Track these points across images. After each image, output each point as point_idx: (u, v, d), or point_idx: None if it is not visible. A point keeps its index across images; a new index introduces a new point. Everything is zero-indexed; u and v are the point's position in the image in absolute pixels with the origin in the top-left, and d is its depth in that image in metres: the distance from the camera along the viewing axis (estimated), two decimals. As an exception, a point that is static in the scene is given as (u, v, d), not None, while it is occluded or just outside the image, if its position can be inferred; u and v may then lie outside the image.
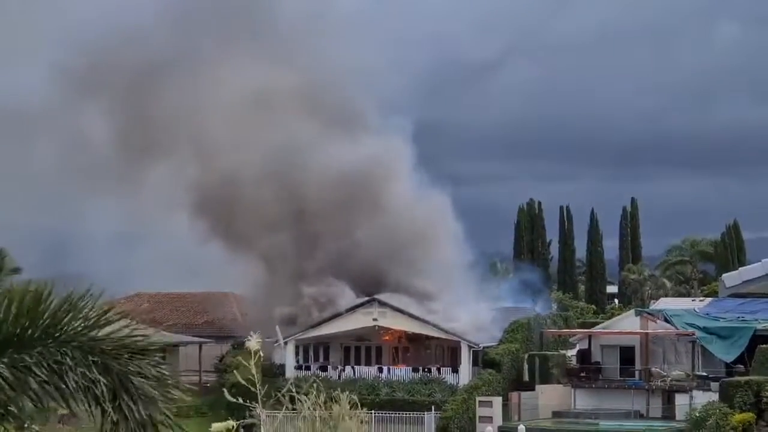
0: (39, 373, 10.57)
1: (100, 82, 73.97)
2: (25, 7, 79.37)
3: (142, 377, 10.83)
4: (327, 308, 71.50)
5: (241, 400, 10.61)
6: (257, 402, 10.59)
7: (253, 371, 10.15)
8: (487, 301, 74.64)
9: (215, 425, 10.71)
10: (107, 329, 10.89)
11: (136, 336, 11.04)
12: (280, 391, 10.91)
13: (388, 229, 72.98)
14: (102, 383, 10.63)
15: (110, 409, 10.71)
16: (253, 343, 10.40)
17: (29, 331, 10.62)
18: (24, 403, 10.61)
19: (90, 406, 10.83)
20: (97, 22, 74.59)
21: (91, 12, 76.03)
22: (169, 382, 11.04)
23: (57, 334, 10.68)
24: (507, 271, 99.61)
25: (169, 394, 10.98)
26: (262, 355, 10.89)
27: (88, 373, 10.64)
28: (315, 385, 10.98)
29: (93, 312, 10.91)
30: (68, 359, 10.63)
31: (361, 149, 74.55)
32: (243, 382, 10.31)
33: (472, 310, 71.84)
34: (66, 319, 10.73)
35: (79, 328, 10.75)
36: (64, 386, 10.63)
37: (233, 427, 10.59)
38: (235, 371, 11.77)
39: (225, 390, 11.11)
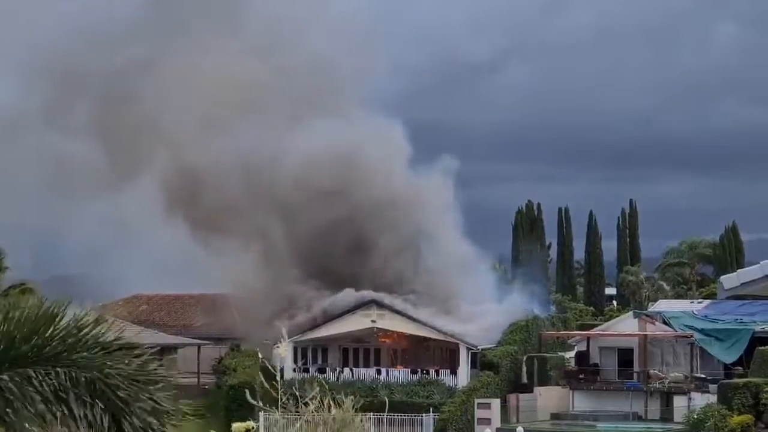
0: (43, 392, 10.56)
1: (75, 87, 73.71)
2: None
3: (145, 409, 10.79)
4: (321, 307, 71.56)
5: (261, 403, 10.58)
6: (278, 403, 10.56)
7: (278, 377, 10.11)
8: (499, 301, 74.95)
9: (236, 425, 10.67)
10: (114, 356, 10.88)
11: (146, 370, 11.01)
12: (283, 394, 10.89)
13: (387, 214, 73.20)
14: (102, 411, 10.60)
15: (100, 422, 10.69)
16: (282, 350, 10.36)
17: (39, 351, 10.60)
18: (23, 411, 10.60)
19: (81, 416, 10.81)
20: (66, 25, 74.62)
21: (60, 13, 76.16)
22: (173, 415, 11.00)
23: (66, 356, 10.65)
24: (506, 273, 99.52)
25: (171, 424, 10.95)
26: (261, 355, 10.87)
27: (89, 399, 10.61)
28: (318, 388, 10.96)
29: (102, 339, 10.88)
30: (72, 383, 10.61)
31: (351, 137, 74.50)
32: (266, 385, 10.27)
33: (486, 310, 72.08)
34: (77, 344, 10.71)
35: (88, 354, 10.73)
36: (66, 408, 10.62)
37: (253, 427, 10.55)
38: (260, 373, 11.69)
39: (247, 393, 11.05)
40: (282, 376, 10.19)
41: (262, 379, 10.52)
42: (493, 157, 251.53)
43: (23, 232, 74.89)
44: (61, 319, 10.70)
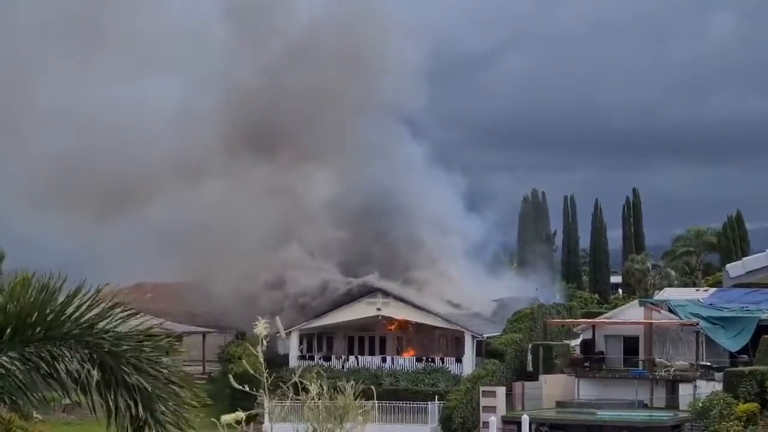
0: (42, 367, 10.53)
1: None
2: None
3: (143, 375, 10.74)
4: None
5: (246, 388, 10.50)
6: (263, 390, 10.48)
7: (261, 358, 10.02)
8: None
9: (224, 417, 10.60)
10: (110, 322, 10.80)
11: (145, 338, 10.95)
12: (284, 381, 10.82)
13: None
14: (100, 378, 10.57)
15: (111, 403, 10.66)
16: (261, 328, 10.25)
17: (35, 325, 10.55)
18: (30, 394, 10.58)
19: (90, 399, 10.77)
20: None
21: None
22: (172, 380, 10.94)
23: (62, 329, 10.61)
24: (511, 261, 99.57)
25: (172, 391, 10.88)
26: (265, 343, 10.78)
27: (89, 367, 10.57)
28: (318, 374, 10.89)
29: (99, 309, 10.82)
30: (67, 353, 10.56)
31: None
32: (251, 371, 10.19)
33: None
34: (74, 315, 10.65)
35: (85, 325, 10.67)
36: (66, 379, 10.58)
37: (243, 418, 10.48)
38: (243, 360, 11.60)
39: (230, 377, 10.97)
40: (265, 359, 10.11)
41: (246, 366, 10.43)
42: (494, 146, 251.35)
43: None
44: (53, 293, 10.63)
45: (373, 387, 11.38)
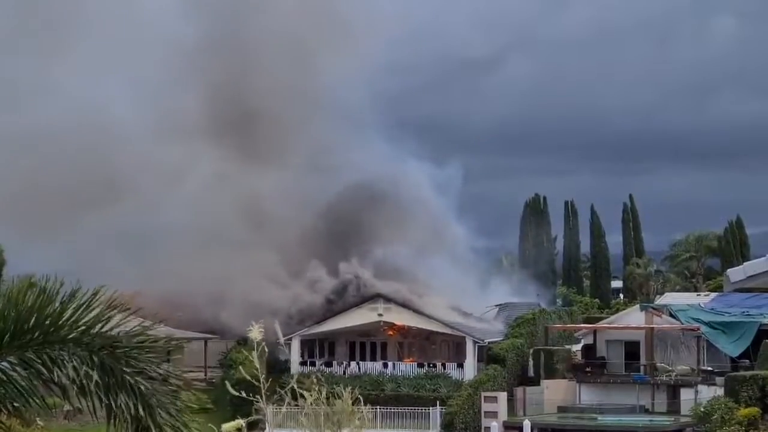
0: (43, 372, 10.54)
1: None
2: None
3: (143, 377, 10.75)
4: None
5: (244, 394, 10.48)
6: (261, 396, 10.47)
7: (257, 364, 10.02)
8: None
9: (225, 425, 10.59)
10: (109, 324, 10.81)
11: (142, 335, 10.94)
12: (284, 387, 10.82)
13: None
14: (100, 380, 10.58)
15: (113, 404, 10.66)
16: (256, 332, 10.23)
17: (33, 330, 10.56)
18: (31, 400, 10.59)
19: (90, 402, 10.77)
20: None
21: None
22: (173, 381, 10.94)
23: (60, 333, 10.62)
24: (513, 266, 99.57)
25: (173, 393, 10.88)
26: (267, 350, 10.78)
27: (87, 368, 10.58)
28: (317, 380, 10.90)
29: (97, 310, 10.81)
30: (66, 356, 10.57)
31: None
32: (248, 378, 10.17)
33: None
34: (71, 319, 10.66)
35: (83, 327, 10.68)
36: (66, 382, 10.59)
37: (243, 426, 10.48)
38: (240, 367, 11.61)
39: (228, 383, 10.97)
40: (266, 365, 10.11)
41: (243, 373, 10.41)
42: (495, 151, 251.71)
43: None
44: (53, 297, 10.63)
45: (375, 393, 11.37)
